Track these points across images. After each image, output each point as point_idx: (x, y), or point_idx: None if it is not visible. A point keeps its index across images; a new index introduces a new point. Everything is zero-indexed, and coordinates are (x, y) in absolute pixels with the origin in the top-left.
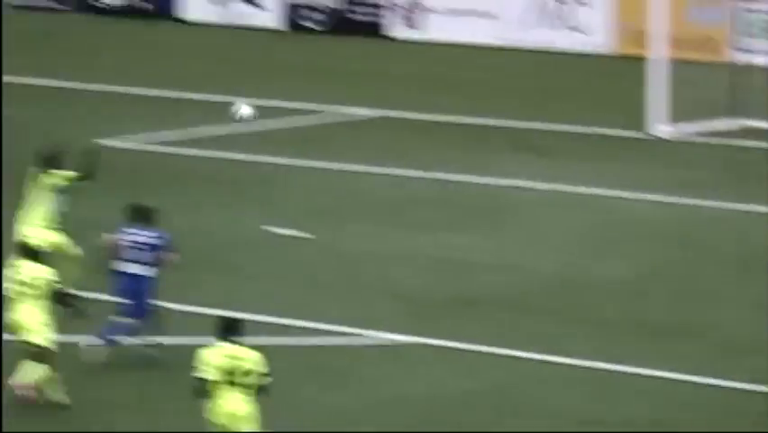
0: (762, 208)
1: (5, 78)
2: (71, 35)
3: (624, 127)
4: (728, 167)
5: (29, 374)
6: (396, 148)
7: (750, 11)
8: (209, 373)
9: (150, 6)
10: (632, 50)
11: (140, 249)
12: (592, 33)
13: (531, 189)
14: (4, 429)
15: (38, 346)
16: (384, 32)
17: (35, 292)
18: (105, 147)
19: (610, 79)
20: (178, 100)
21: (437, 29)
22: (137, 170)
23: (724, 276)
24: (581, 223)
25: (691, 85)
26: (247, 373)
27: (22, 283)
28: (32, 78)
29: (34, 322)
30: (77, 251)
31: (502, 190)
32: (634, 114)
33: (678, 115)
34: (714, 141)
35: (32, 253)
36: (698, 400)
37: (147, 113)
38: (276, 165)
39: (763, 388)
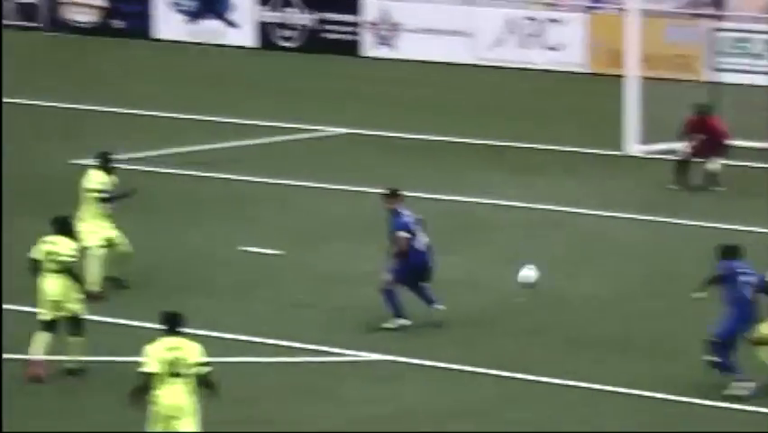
0: (734, 226)
1: None
2: (42, 53)
3: (599, 146)
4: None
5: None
6: (369, 167)
7: (722, 30)
8: (152, 366)
9: (123, 25)
10: (608, 69)
11: None
12: (568, 52)
13: (505, 208)
14: (4, 429)
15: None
16: (357, 51)
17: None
18: (78, 165)
19: (586, 98)
20: (150, 118)
21: (411, 48)
22: None
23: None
24: (555, 241)
25: (667, 103)
26: (189, 364)
27: (48, 254)
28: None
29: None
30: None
31: (476, 208)
32: (610, 132)
33: (654, 133)
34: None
35: (66, 230)
36: (667, 416)
37: (115, 132)
38: (249, 183)
39: (737, 406)
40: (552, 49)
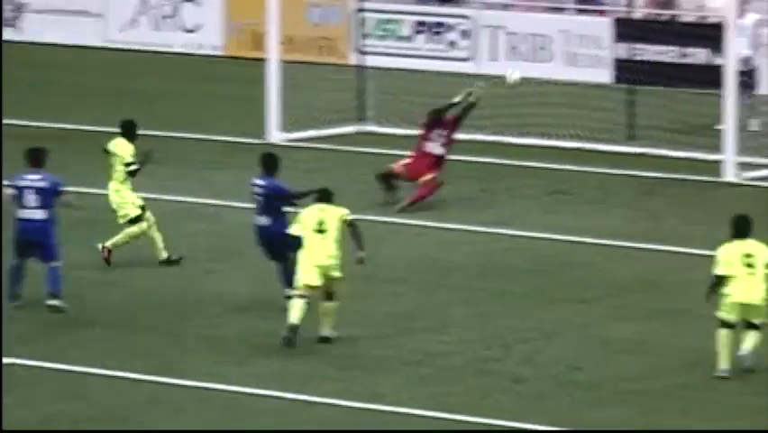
0: (369, 217)
1: None
2: None
3: (240, 134)
4: (350, 174)
5: None
6: None
7: (367, 11)
8: None
9: None
10: (248, 52)
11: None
12: (205, 34)
13: (143, 199)
14: (4, 429)
15: None
16: None
17: None
18: None
19: (225, 83)
20: None
21: (38, 30)
22: None
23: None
24: (195, 235)
25: (313, 88)
26: None
27: None
28: None
29: None
30: None
31: (105, 200)
32: (251, 120)
33: (299, 120)
34: (334, 146)
35: None
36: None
37: None
38: None
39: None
40: (188, 30)
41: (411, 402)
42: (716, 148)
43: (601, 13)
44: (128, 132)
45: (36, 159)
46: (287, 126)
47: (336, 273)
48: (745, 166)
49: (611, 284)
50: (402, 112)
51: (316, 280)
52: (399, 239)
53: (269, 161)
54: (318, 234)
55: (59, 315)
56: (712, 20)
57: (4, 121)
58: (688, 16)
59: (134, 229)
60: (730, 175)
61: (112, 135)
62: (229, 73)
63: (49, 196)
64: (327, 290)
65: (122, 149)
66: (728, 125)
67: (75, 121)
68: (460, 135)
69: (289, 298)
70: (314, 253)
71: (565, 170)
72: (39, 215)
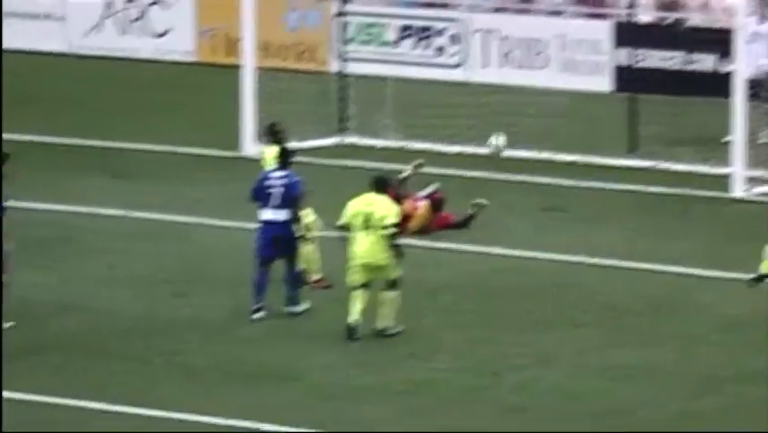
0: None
1: None
2: None
3: (213, 146)
4: (332, 189)
5: None
6: None
7: (349, 14)
8: None
9: None
10: (221, 59)
11: None
12: (174, 39)
13: (106, 217)
14: (4, 429)
15: None
16: None
17: None
18: None
19: (196, 91)
20: None
21: None
22: None
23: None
24: (163, 255)
25: (293, 97)
26: None
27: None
28: None
29: None
30: None
31: (73, 218)
32: (224, 131)
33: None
34: (313, 159)
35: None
36: None
37: None
38: None
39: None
40: (156, 35)
41: None
42: (723, 161)
43: (601, 16)
44: (274, 136)
45: None
46: (262, 138)
47: (387, 271)
48: (754, 181)
49: (609, 307)
50: (376, 121)
51: (362, 280)
52: None
53: (284, 153)
54: (364, 230)
55: (14, 341)
56: (721, 24)
57: None
58: (695, 20)
59: (308, 248)
60: (738, 190)
61: (70, 148)
62: (201, 81)
63: None
64: (385, 280)
65: (267, 155)
66: (737, 137)
67: (33, 132)
68: (448, 148)
69: (292, 313)
70: (359, 250)
71: (561, 184)
72: None
